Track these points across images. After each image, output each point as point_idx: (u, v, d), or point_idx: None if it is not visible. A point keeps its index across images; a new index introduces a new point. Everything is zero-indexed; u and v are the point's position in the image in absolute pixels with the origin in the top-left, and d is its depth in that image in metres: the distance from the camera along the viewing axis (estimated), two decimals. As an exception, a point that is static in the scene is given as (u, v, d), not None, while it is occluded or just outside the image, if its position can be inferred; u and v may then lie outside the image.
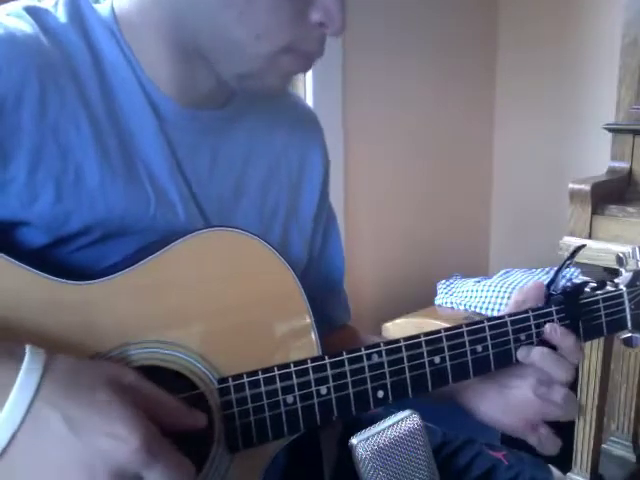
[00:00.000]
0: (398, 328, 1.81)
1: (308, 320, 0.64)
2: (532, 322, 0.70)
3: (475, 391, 0.72)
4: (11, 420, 0.45)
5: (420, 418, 0.57)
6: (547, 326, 0.70)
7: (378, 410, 0.80)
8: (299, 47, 0.64)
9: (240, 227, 0.63)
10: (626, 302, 0.74)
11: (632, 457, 1.81)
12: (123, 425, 0.46)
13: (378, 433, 0.56)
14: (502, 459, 0.84)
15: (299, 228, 0.79)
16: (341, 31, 0.64)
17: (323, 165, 0.83)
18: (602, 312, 0.73)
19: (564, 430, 1.68)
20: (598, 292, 0.74)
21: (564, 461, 1.60)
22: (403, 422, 0.57)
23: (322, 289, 0.83)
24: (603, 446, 1.77)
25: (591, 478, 1.61)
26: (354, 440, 0.55)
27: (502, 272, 1.97)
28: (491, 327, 0.68)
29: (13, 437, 0.45)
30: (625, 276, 0.76)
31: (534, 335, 0.70)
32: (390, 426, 0.56)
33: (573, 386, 1.59)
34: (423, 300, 1.98)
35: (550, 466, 0.86)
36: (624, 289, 0.74)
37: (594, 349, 1.54)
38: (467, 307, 1.85)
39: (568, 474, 1.61)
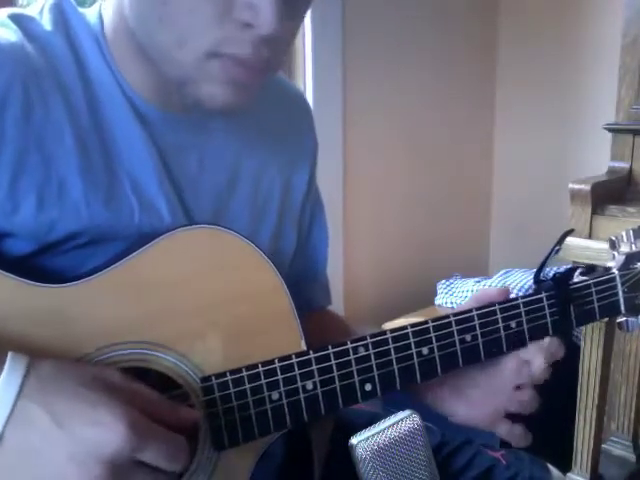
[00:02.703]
0: (398, 328, 1.81)
1: (291, 315, 0.63)
2: (522, 309, 0.69)
3: (449, 387, 0.71)
4: None
5: (420, 418, 0.57)
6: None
7: (377, 411, 0.80)
8: (226, 51, 0.59)
9: (217, 224, 0.62)
10: (619, 285, 0.73)
11: (632, 457, 1.81)
12: (107, 412, 0.46)
13: (378, 433, 0.55)
14: (501, 459, 0.84)
15: (291, 213, 0.79)
16: (273, 31, 0.57)
17: (312, 149, 0.83)
18: (594, 297, 0.72)
19: (564, 430, 1.68)
20: (589, 276, 0.73)
21: (564, 461, 1.60)
22: (403, 422, 0.57)
23: (305, 273, 0.84)
24: (603, 446, 1.76)
25: (591, 478, 1.61)
26: (354, 440, 0.55)
27: (502, 272, 1.97)
28: (480, 316, 0.67)
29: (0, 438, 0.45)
30: (618, 259, 0.74)
31: (524, 322, 0.69)
32: (390, 426, 0.56)
33: (573, 386, 1.59)
34: (423, 300, 1.98)
35: (550, 466, 0.86)
36: (616, 272, 0.73)
37: (594, 348, 1.54)
38: (467, 307, 1.85)
39: (568, 474, 1.61)
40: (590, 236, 1.50)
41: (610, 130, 1.61)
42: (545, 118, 2.27)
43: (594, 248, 1.45)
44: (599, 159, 1.75)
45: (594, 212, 1.50)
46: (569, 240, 1.49)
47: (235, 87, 0.61)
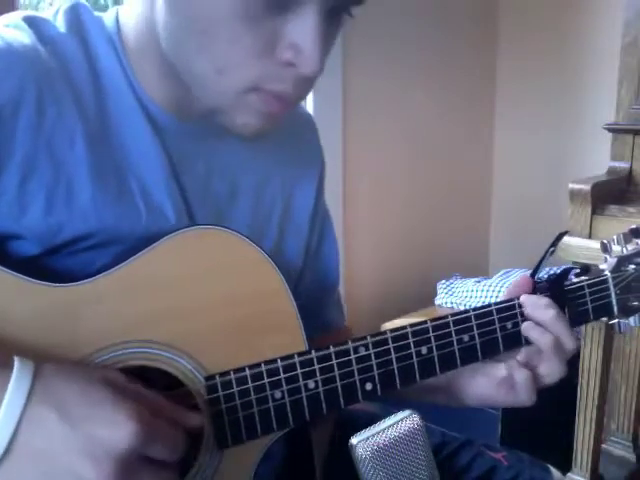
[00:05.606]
0: (398, 328, 1.81)
1: (294, 315, 0.64)
2: (517, 310, 0.70)
3: (464, 378, 0.72)
4: (7, 424, 0.45)
5: (420, 418, 0.57)
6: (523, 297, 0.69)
7: (375, 410, 0.80)
8: (267, 86, 0.60)
9: (224, 225, 0.63)
10: (611, 287, 0.75)
11: (632, 457, 1.81)
12: (118, 411, 0.47)
13: (378, 433, 0.55)
14: (501, 460, 0.84)
15: (296, 229, 0.79)
16: (315, 72, 0.58)
17: (319, 165, 0.83)
18: (588, 298, 0.74)
19: (564, 430, 1.67)
20: (583, 278, 0.74)
21: (564, 461, 1.60)
22: (403, 422, 0.57)
23: (317, 289, 0.83)
24: (603, 446, 1.77)
25: (591, 478, 1.61)
26: (354, 440, 0.55)
27: (502, 272, 1.97)
28: (477, 316, 0.69)
29: (11, 441, 0.45)
30: (610, 262, 0.76)
31: (520, 323, 0.70)
32: (390, 426, 0.56)
33: (573, 386, 1.60)
34: (423, 300, 1.98)
35: (550, 466, 0.86)
36: (609, 274, 0.75)
37: (594, 348, 1.54)
38: (467, 307, 1.85)
39: (568, 474, 1.61)
40: (590, 236, 1.50)
41: (610, 130, 1.61)
42: (545, 118, 2.27)
43: (594, 248, 1.45)
44: (599, 159, 1.75)
45: (594, 212, 1.50)
46: (569, 240, 1.49)
47: (268, 117, 0.63)
